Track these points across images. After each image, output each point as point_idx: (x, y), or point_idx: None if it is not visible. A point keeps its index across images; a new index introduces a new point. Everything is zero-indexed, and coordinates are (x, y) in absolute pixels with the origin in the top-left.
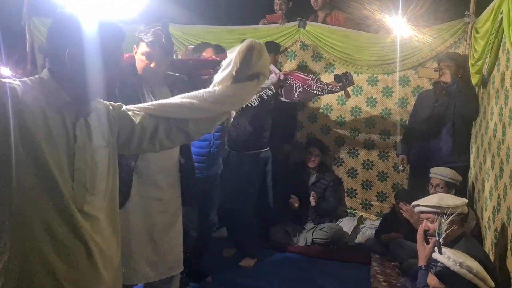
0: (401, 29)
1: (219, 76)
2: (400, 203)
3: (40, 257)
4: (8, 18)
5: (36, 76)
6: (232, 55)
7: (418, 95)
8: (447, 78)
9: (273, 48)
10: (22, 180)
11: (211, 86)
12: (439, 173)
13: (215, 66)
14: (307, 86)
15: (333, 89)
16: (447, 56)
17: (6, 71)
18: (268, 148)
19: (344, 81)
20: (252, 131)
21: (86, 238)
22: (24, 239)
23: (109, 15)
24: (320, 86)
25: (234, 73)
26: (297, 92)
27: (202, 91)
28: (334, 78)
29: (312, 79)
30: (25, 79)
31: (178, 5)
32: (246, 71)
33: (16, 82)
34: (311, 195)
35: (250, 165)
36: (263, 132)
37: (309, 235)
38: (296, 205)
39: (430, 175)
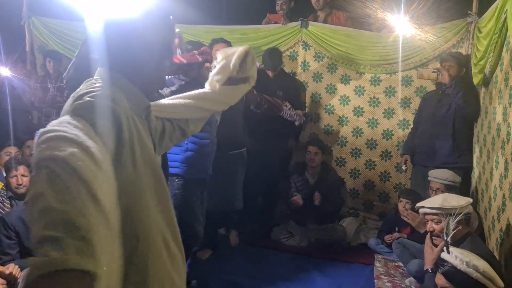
0: (404, 28)
1: (215, 77)
2: (400, 208)
3: (168, 275)
4: (8, 18)
5: (98, 82)
6: (227, 57)
7: (424, 95)
8: (445, 79)
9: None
10: (146, 199)
11: (206, 86)
12: (438, 176)
13: (198, 67)
14: (276, 108)
15: (297, 121)
16: (450, 55)
17: (5, 70)
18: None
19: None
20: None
21: (180, 246)
22: (154, 261)
23: (112, 15)
24: (289, 113)
25: (234, 74)
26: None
27: (199, 92)
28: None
29: (286, 105)
30: (99, 86)
31: (178, 4)
32: (239, 74)
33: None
34: (315, 194)
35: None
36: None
37: (312, 235)
38: (300, 202)
39: (429, 178)
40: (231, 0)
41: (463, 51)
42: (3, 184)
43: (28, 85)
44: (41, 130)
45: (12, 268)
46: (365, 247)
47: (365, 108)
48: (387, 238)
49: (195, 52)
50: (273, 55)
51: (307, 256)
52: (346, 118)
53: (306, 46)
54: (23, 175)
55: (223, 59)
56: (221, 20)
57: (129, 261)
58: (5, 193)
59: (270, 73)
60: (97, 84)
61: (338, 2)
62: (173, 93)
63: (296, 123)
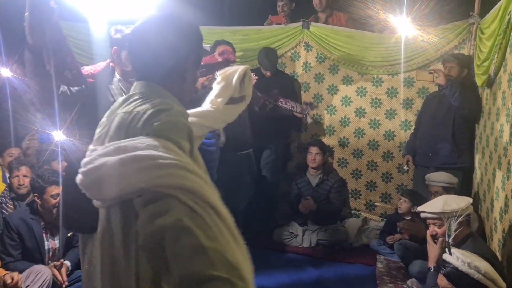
0: (406, 29)
1: (218, 98)
2: (398, 223)
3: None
4: (9, 19)
5: (154, 98)
6: (227, 78)
7: (426, 96)
8: (441, 80)
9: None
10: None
11: (207, 104)
12: (435, 180)
13: (219, 68)
14: (281, 102)
15: (300, 112)
16: (452, 56)
17: (6, 71)
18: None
19: (306, 108)
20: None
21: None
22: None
23: (115, 16)
24: (291, 104)
25: (235, 94)
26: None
27: (203, 110)
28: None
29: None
30: (160, 101)
31: (179, 5)
32: (238, 93)
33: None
34: (308, 200)
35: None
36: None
37: (314, 236)
38: (314, 206)
39: (426, 182)
40: (234, 1)
41: (465, 52)
42: (5, 185)
43: (29, 86)
44: (138, 154)
45: (17, 277)
46: (367, 248)
47: (367, 109)
48: (389, 239)
49: (215, 53)
50: (270, 55)
51: (309, 257)
52: (348, 119)
53: (307, 47)
54: (25, 176)
55: (222, 79)
56: (224, 21)
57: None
58: (8, 194)
59: (267, 73)
60: (157, 100)
61: (339, 3)
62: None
63: (298, 110)
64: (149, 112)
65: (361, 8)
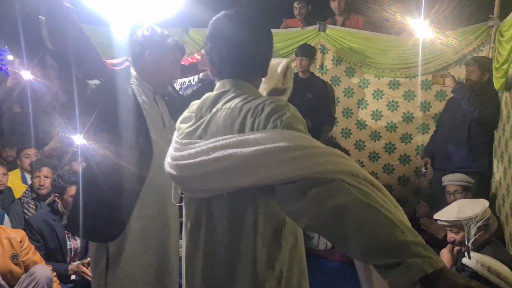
0: (424, 31)
1: (262, 85)
2: (421, 219)
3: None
4: (30, 22)
5: (254, 93)
6: (270, 68)
7: (448, 99)
8: (451, 83)
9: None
10: None
11: None
12: (453, 179)
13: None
14: None
15: None
16: (473, 60)
17: (27, 74)
18: None
19: None
20: None
21: None
22: (303, 255)
23: (134, 19)
24: None
25: (278, 85)
26: None
27: None
28: None
29: None
30: (270, 97)
31: (197, 8)
32: (281, 85)
33: None
34: None
35: None
36: None
37: None
38: None
39: (444, 184)
40: (249, 4)
41: (483, 55)
42: (27, 186)
43: (48, 88)
44: (284, 145)
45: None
46: None
47: (383, 112)
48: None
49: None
50: (310, 49)
51: (325, 260)
52: (364, 121)
53: (324, 49)
54: (46, 176)
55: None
56: None
57: (292, 255)
58: (29, 195)
59: (300, 74)
60: (263, 96)
61: (357, 6)
62: (194, 93)
63: None
64: (270, 106)
65: (377, 11)
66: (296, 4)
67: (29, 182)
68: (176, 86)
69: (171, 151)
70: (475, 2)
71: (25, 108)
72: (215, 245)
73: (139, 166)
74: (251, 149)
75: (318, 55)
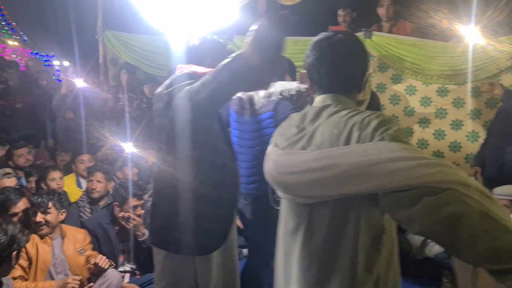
0: (474, 37)
1: None
2: None
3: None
4: (82, 33)
5: (350, 106)
6: None
7: (499, 106)
8: (499, 91)
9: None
10: None
11: None
12: (502, 193)
13: None
14: None
15: None
16: None
17: (79, 81)
18: None
19: None
20: None
21: None
22: (398, 262)
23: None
24: None
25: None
26: None
27: None
28: None
29: None
30: (368, 111)
31: (241, 16)
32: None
33: None
34: None
35: None
36: None
37: None
38: None
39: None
40: (295, 12)
41: None
42: (82, 190)
43: (100, 95)
44: (394, 155)
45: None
46: (431, 261)
47: (431, 120)
48: None
49: None
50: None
51: None
52: (411, 129)
53: (369, 56)
54: (98, 181)
55: None
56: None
57: (388, 261)
58: (85, 199)
59: None
60: (367, 111)
61: (404, 12)
62: None
63: None
64: (376, 120)
65: (426, 17)
66: (340, 11)
67: (84, 186)
68: None
69: (272, 159)
70: None
71: (78, 114)
72: (313, 249)
73: (233, 174)
74: (360, 159)
75: None
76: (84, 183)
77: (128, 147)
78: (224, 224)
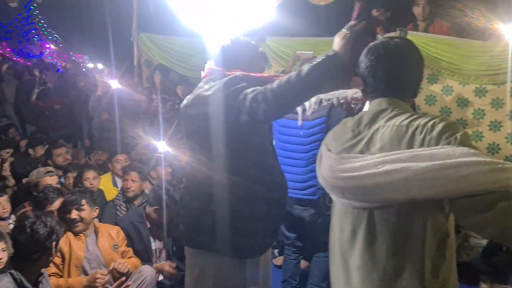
0: None
1: None
2: None
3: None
4: (118, 35)
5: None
6: None
7: None
8: None
9: None
10: None
11: None
12: None
13: None
14: None
15: None
16: None
17: (115, 83)
18: None
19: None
20: None
21: None
22: (454, 260)
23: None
24: None
25: None
26: None
27: None
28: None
29: None
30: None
31: (275, 17)
32: None
33: None
34: None
35: None
36: None
37: None
38: None
39: None
40: (328, 12)
41: None
42: (117, 189)
43: (134, 96)
44: (467, 160)
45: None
46: (468, 266)
47: (468, 121)
48: (494, 259)
49: None
50: None
51: None
52: None
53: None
54: (133, 180)
55: None
56: (319, 31)
57: (451, 266)
58: (121, 197)
59: None
60: (427, 114)
61: (440, 11)
62: None
63: None
64: (441, 124)
65: (463, 16)
66: (374, 11)
67: (119, 185)
68: None
69: (326, 163)
70: None
71: (113, 115)
72: (375, 253)
73: (281, 173)
74: (429, 164)
75: None
76: (119, 182)
77: (162, 146)
78: (277, 223)
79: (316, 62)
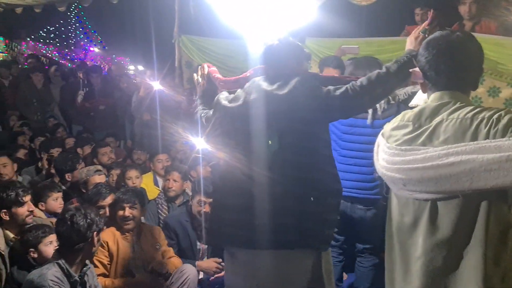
0: None
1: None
2: None
3: None
4: (159, 38)
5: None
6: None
7: None
8: None
9: None
10: None
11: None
12: None
13: None
14: None
15: None
16: None
17: (156, 84)
18: None
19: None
20: None
21: None
22: None
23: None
24: None
25: None
26: None
27: None
28: None
29: None
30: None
31: (316, 18)
32: None
33: None
34: None
35: None
36: None
37: None
38: None
39: None
40: (370, 12)
41: None
42: (159, 189)
43: (175, 97)
44: None
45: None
46: None
47: None
48: None
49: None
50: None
51: None
52: None
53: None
54: (174, 180)
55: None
56: (360, 32)
57: (504, 243)
58: (163, 196)
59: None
60: (489, 107)
61: (488, 10)
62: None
63: None
64: (507, 117)
65: (508, 15)
66: (417, 10)
67: (160, 185)
68: None
69: (385, 156)
70: None
71: (154, 115)
72: (438, 243)
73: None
74: (496, 155)
75: None
76: (160, 181)
77: (200, 143)
78: (337, 213)
79: (404, 61)
